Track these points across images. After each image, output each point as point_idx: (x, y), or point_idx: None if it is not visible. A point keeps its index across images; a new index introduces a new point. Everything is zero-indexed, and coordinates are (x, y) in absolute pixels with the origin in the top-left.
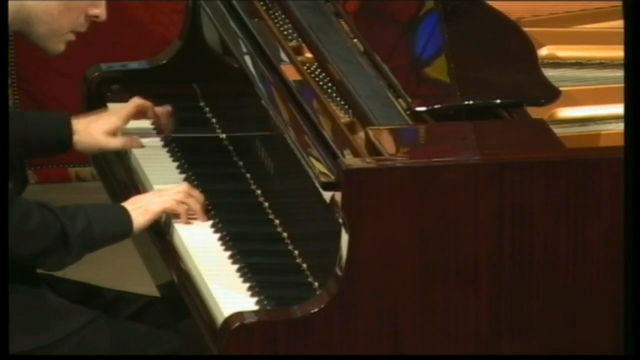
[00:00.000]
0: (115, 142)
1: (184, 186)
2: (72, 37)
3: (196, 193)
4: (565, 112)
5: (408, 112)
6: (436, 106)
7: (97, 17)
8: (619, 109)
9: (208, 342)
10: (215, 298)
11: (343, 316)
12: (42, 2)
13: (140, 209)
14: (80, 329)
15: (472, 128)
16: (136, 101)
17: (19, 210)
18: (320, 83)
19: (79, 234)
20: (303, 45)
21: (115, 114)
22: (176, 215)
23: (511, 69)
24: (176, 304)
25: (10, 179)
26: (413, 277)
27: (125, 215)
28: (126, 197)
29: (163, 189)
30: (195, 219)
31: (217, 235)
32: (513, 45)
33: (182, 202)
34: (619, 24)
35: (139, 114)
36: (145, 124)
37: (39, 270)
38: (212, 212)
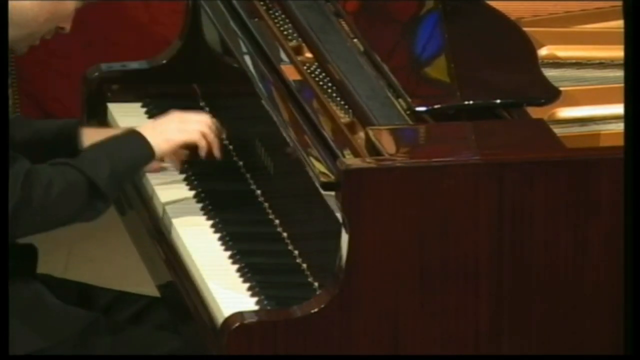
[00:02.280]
0: None
1: (206, 117)
2: (37, 42)
3: (216, 125)
4: (565, 112)
5: (408, 112)
6: (436, 106)
7: (63, 29)
8: (619, 109)
9: (208, 342)
10: (215, 298)
11: (343, 316)
12: (33, 8)
13: (162, 136)
14: (80, 332)
15: (472, 128)
16: None
17: (40, 183)
18: (320, 83)
19: (106, 180)
20: (303, 45)
21: None
22: (195, 147)
23: (511, 69)
24: (176, 304)
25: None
26: (413, 277)
27: (146, 144)
28: (125, 196)
29: (183, 114)
30: (195, 218)
31: (217, 235)
32: (513, 45)
33: (204, 135)
34: (619, 24)
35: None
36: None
37: (38, 272)
38: (212, 212)
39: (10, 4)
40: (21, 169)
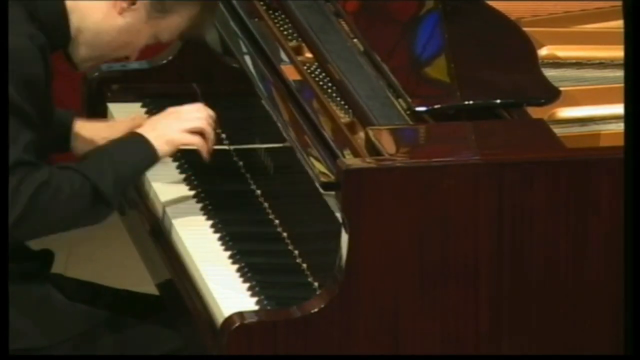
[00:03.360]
0: None
1: (204, 110)
2: (102, 63)
3: (213, 117)
4: (565, 112)
5: (408, 112)
6: (436, 106)
7: (128, 58)
8: (619, 109)
9: (208, 342)
10: (215, 298)
11: (343, 316)
12: (111, 33)
13: (163, 138)
14: (85, 330)
15: (472, 128)
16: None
17: (48, 189)
18: (320, 83)
19: (110, 186)
20: (303, 45)
21: (121, 126)
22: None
23: (511, 69)
24: (176, 303)
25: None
26: (413, 277)
27: (149, 147)
28: (125, 197)
29: (179, 110)
30: (195, 218)
31: (217, 235)
32: (513, 45)
33: (204, 132)
34: (619, 24)
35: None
36: None
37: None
38: (212, 212)
39: (89, 25)
40: (40, 178)
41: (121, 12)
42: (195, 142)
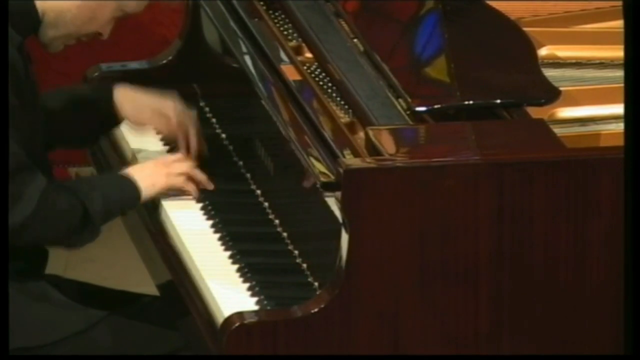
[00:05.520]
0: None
1: (188, 164)
2: (73, 42)
3: (198, 172)
4: (565, 112)
5: (408, 112)
6: (436, 106)
7: (101, 35)
8: (619, 109)
9: (208, 342)
10: (215, 298)
11: (343, 316)
12: (71, 10)
13: (148, 181)
14: (83, 329)
15: (472, 128)
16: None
17: (51, 199)
18: (320, 83)
19: (99, 211)
20: (303, 45)
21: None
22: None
23: (511, 69)
24: (176, 303)
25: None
26: (413, 277)
27: (134, 187)
28: None
29: (167, 159)
30: (195, 218)
31: (217, 235)
32: (513, 45)
33: (189, 177)
34: (619, 24)
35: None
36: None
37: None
38: (212, 212)
39: (50, 5)
40: (41, 184)
41: None
42: (178, 183)
